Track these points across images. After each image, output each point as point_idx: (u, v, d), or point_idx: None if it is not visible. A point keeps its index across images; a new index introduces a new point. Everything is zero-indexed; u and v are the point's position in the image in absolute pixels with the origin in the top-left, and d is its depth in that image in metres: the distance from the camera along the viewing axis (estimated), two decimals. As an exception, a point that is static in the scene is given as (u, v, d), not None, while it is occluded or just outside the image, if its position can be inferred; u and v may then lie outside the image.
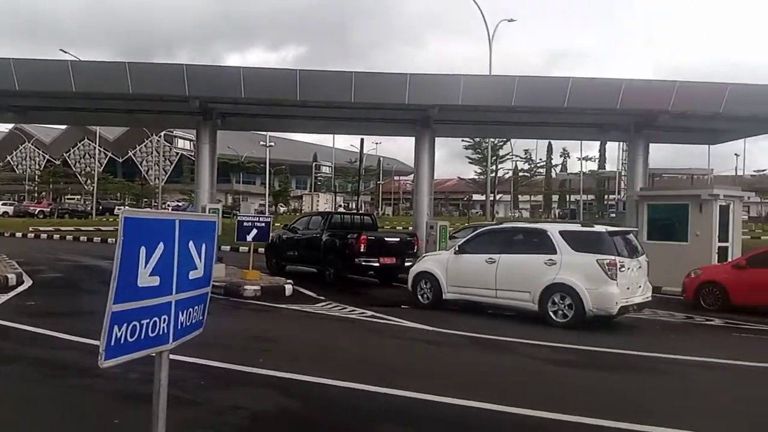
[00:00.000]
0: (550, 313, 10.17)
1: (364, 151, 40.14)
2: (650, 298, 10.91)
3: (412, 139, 20.39)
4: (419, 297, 12.08)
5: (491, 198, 38.63)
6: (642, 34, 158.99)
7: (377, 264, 15.03)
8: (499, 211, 74.26)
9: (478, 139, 44.07)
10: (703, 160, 45.11)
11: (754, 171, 68.38)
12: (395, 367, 7.11)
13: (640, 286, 10.56)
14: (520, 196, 76.76)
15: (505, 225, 13.70)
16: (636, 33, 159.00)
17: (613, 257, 9.92)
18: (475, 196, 67.08)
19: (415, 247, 15.43)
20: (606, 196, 65.37)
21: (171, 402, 2.84)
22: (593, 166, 69.08)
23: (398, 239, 16.21)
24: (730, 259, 14.76)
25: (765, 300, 12.08)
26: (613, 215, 51.11)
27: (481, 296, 11.31)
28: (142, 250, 2.49)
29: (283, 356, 7.37)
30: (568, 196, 76.17)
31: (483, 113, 19.09)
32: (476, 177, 56.71)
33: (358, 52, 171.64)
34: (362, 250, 14.77)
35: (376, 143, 74.95)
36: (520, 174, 65.54)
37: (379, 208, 78.51)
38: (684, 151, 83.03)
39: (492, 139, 39.61)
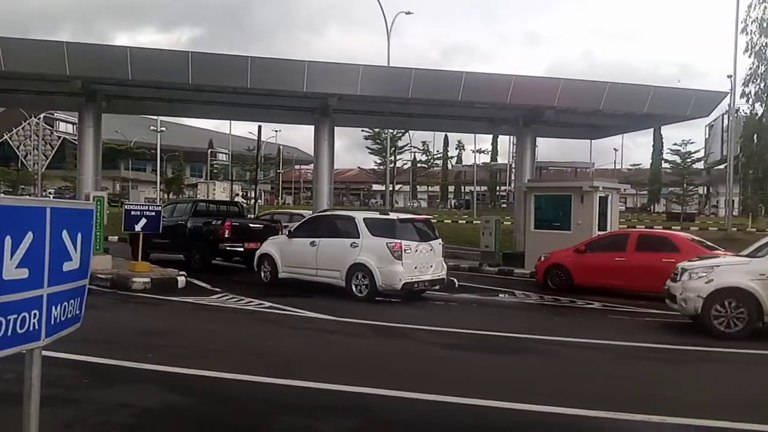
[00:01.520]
0: (353, 289, 11.71)
1: (264, 139, 39.36)
2: (443, 277, 12.46)
3: (313, 128, 20.25)
4: (262, 276, 13.47)
5: (390, 188, 39.21)
6: (530, 31, 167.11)
7: (242, 249, 15.36)
8: (398, 201, 75.56)
9: (377, 130, 44.51)
10: (586, 154, 48.17)
11: (631, 165, 74.14)
12: (293, 358, 7.06)
13: (431, 266, 12.04)
14: (418, 187, 78.47)
15: (325, 213, 14.43)
16: (525, 30, 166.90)
17: (399, 241, 11.45)
18: (375, 186, 67.85)
19: (280, 232, 15.45)
20: (498, 187, 68.38)
21: (51, 401, 2.68)
22: (486, 158, 71.96)
23: (262, 225, 16.60)
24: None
25: (599, 280, 13.50)
26: (504, 205, 53.54)
27: (306, 275, 12.68)
28: (8, 240, 2.31)
29: (174, 351, 7.12)
30: (463, 187, 78.81)
31: (381, 104, 19.30)
32: (376, 167, 57.27)
33: (256, 37, 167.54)
34: (227, 235, 15.31)
35: (276, 131, 73.49)
36: (419, 165, 66.96)
37: (280, 198, 77.36)
38: (569, 145, 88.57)
39: (391, 130, 40.15)
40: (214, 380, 5.77)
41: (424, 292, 12.33)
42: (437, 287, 12.59)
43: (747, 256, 9.60)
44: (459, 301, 12.37)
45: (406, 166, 62.02)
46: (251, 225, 16.41)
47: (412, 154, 61.91)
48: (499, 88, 17.56)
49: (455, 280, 14.36)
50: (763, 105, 23.12)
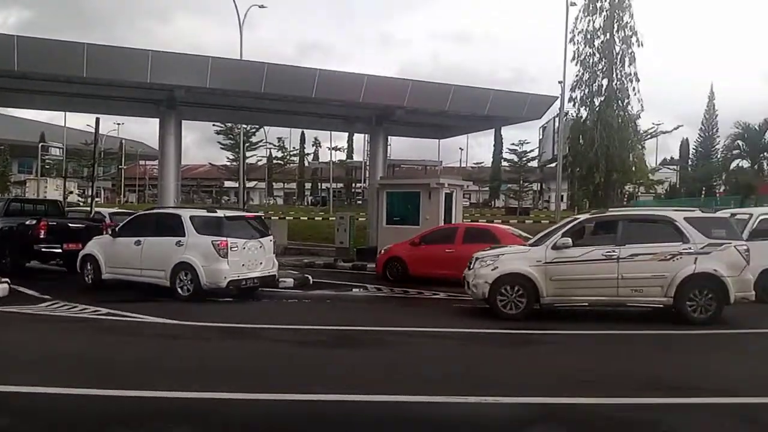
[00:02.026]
0: (178, 289, 11.45)
1: (104, 133, 36.46)
2: (274, 274, 12.52)
3: (158, 121, 19.14)
4: (85, 278, 12.83)
5: (244, 185, 38.19)
6: (384, 33, 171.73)
7: (60, 250, 14.50)
8: (253, 198, 73.86)
9: (230, 125, 43.11)
10: (435, 153, 50.56)
11: (474, 163, 78.76)
12: (130, 367, 6.61)
13: (261, 263, 12.08)
14: (274, 184, 77.29)
15: (151, 211, 14.14)
16: (379, 31, 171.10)
17: (225, 239, 11.36)
18: (228, 183, 65.69)
19: (104, 232, 14.58)
20: (354, 184, 69.40)
21: None
22: (343, 156, 72.72)
23: (84, 225, 15.52)
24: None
25: (432, 270, 14.36)
26: (360, 202, 54.46)
27: (130, 275, 12.25)
28: None
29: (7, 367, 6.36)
30: (319, 184, 78.96)
31: (233, 98, 18.75)
32: (228, 163, 55.47)
33: (95, 23, 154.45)
34: (42, 236, 14.34)
35: (118, 124, 68.47)
36: (275, 162, 65.94)
37: (122, 195, 72.18)
38: (419, 144, 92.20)
39: (245, 125, 39.10)
40: (37, 396, 5.24)
41: (255, 289, 12.28)
42: (292, 284, 12.48)
43: (530, 245, 10.60)
44: (313, 298, 12.37)
45: (261, 163, 60.84)
46: (71, 225, 15.31)
47: (268, 150, 60.90)
48: (352, 86, 17.82)
49: (309, 277, 14.36)
50: (588, 109, 25.64)
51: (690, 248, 9.64)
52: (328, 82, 17.36)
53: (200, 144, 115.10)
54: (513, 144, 56.88)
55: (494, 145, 72.95)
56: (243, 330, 8.93)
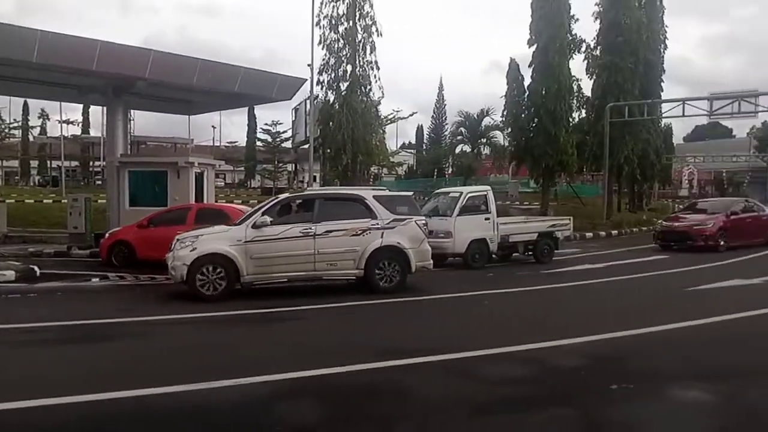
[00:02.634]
0: None
1: None
2: None
3: None
4: None
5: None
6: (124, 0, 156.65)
7: None
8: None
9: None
10: (186, 130, 48.10)
11: (228, 142, 77.00)
12: None
13: None
14: (-10, 161, 66.00)
15: None
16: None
17: None
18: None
19: None
20: (92, 163, 62.64)
21: None
22: (77, 130, 64.97)
23: None
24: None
25: (161, 254, 13.63)
26: (99, 182, 49.47)
27: None
28: None
29: None
30: (49, 162, 69.61)
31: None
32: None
33: None
34: None
35: None
36: (-12, 135, 56.26)
37: None
38: (169, 120, 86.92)
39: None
40: None
41: None
42: (13, 277, 11.26)
43: (233, 225, 10.57)
44: (40, 292, 10.98)
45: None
46: None
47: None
48: (83, 52, 15.96)
49: (36, 268, 12.70)
50: (335, 93, 26.70)
51: (378, 224, 10.56)
52: (53, 46, 15.29)
53: None
54: (267, 124, 57.00)
55: (248, 125, 72.10)
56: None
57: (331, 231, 10.31)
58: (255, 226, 10.02)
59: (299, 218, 10.65)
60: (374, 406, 5.03)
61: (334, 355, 6.39)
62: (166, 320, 8.69)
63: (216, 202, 19.11)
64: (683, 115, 28.75)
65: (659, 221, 21.09)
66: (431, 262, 11.25)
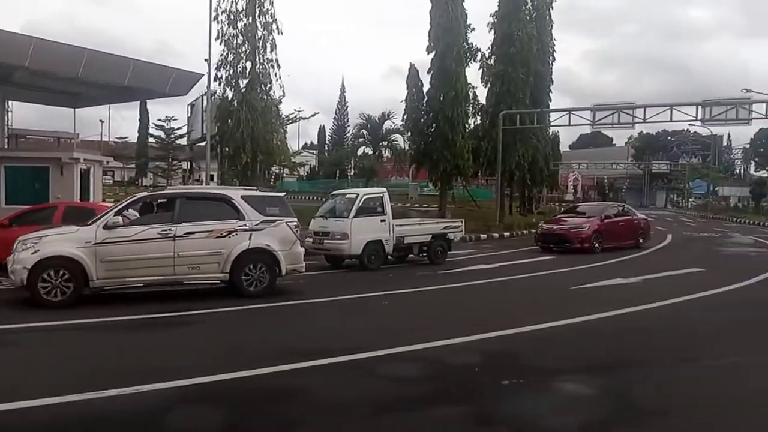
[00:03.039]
0: None
1: None
2: None
3: None
4: None
5: None
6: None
7: None
8: None
9: None
10: (72, 124, 45.04)
11: (118, 138, 72.85)
12: None
13: None
14: None
15: None
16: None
17: None
18: None
19: None
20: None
21: None
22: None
23: None
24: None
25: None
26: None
27: None
28: None
29: None
30: None
31: None
32: None
33: None
34: None
35: None
36: None
37: None
38: (53, 113, 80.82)
39: None
40: None
41: None
42: None
43: (84, 225, 9.76)
44: None
45: None
46: None
47: None
48: (-50, 36, 14.59)
49: None
50: (233, 90, 26.01)
51: (245, 225, 10.14)
52: None
53: None
54: (160, 120, 54.48)
55: (140, 120, 68.56)
56: None
57: (193, 233, 9.74)
58: (107, 227, 9.35)
59: (159, 219, 9.98)
60: (276, 409, 4.97)
61: (233, 359, 6.25)
62: (37, 327, 8.05)
63: (104, 200, 18.03)
64: (569, 124, 30.63)
65: (540, 224, 22.17)
66: (303, 264, 10.99)
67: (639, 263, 16.54)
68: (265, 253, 10.21)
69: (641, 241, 20.73)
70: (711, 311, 9.77)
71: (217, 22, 25.13)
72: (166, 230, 9.60)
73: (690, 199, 74.34)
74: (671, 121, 29.03)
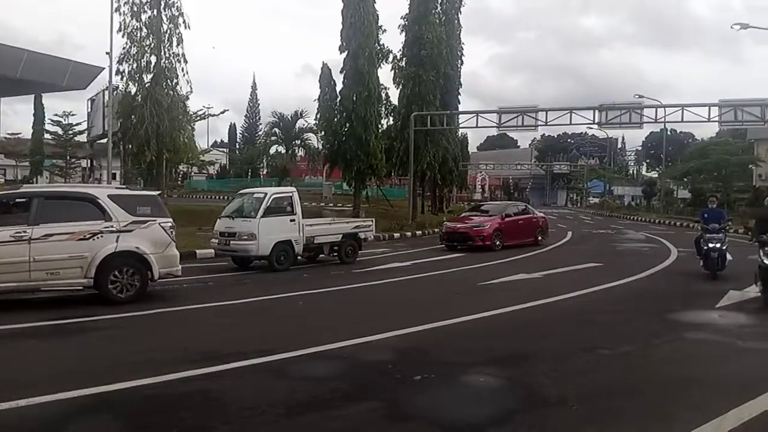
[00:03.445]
0: None
1: None
2: None
3: None
4: None
5: None
6: None
7: None
8: None
9: None
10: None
11: (9, 133, 67.73)
12: None
13: None
14: None
15: None
16: None
17: None
18: None
19: None
20: None
21: None
22: None
23: None
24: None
25: None
26: None
27: None
28: None
29: None
30: None
31: None
32: None
33: None
34: None
35: None
36: None
37: None
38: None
39: None
40: None
41: None
42: None
43: None
44: None
45: None
46: None
47: None
48: None
49: None
50: (137, 85, 24.92)
51: (112, 226, 9.48)
52: None
53: None
54: (57, 115, 51.05)
55: (34, 115, 64.03)
56: None
57: (51, 235, 8.96)
58: None
59: (13, 220, 9.07)
60: (184, 416, 4.81)
61: (139, 366, 5.98)
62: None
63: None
64: (477, 126, 31.67)
65: (445, 223, 22.60)
66: (179, 267, 10.37)
67: (542, 259, 17.36)
68: (134, 257, 9.57)
69: (540, 238, 21.69)
70: (608, 303, 10.40)
71: (120, 14, 24.01)
72: (20, 232, 8.79)
73: (589, 198, 78.88)
74: (571, 124, 30.81)
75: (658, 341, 7.53)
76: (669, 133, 61.72)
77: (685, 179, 44.59)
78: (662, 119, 28.63)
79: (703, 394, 5.46)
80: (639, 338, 7.63)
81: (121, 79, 24.58)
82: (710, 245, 12.83)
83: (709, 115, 26.64)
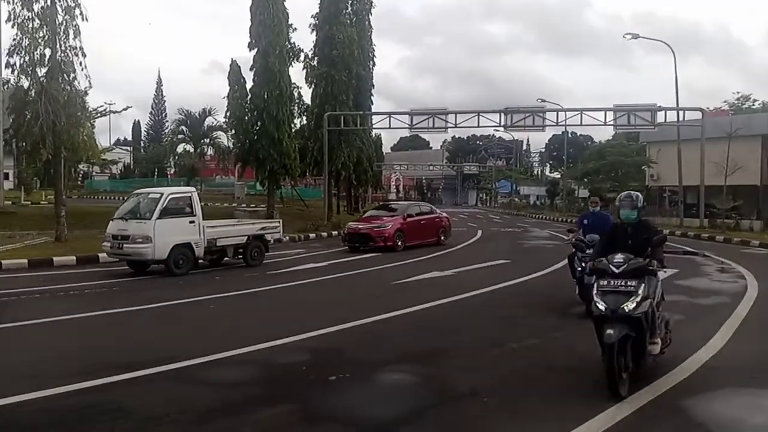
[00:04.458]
0: None
1: None
2: None
3: None
4: None
5: None
6: None
7: None
8: None
9: None
10: None
11: None
12: None
13: None
14: None
15: None
16: None
17: None
18: None
19: None
20: None
21: None
22: None
23: None
24: None
25: None
26: None
27: None
28: None
29: None
30: None
31: None
32: None
33: None
34: None
35: None
36: None
37: None
38: None
39: None
40: None
41: None
42: None
43: None
44: None
45: None
46: None
47: None
48: None
49: None
50: (30, 79, 23.26)
51: None
52: None
53: None
54: (-64, 110, 46.75)
55: None
56: None
57: None
58: None
59: None
60: (88, 429, 4.54)
61: (41, 377, 5.59)
62: None
63: None
64: (390, 127, 32.04)
65: (348, 224, 22.30)
66: None
67: (454, 257, 17.82)
68: None
69: (443, 238, 21.84)
70: (516, 298, 10.83)
71: (8, 3, 22.29)
72: None
73: (498, 198, 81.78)
74: (479, 126, 31.83)
75: (558, 334, 7.93)
76: (570, 135, 65.07)
77: (585, 179, 47.14)
78: (563, 122, 30.20)
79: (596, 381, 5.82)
80: (542, 332, 8.00)
81: (12, 72, 22.83)
82: (586, 265, 8.04)
83: (606, 119, 28.43)
